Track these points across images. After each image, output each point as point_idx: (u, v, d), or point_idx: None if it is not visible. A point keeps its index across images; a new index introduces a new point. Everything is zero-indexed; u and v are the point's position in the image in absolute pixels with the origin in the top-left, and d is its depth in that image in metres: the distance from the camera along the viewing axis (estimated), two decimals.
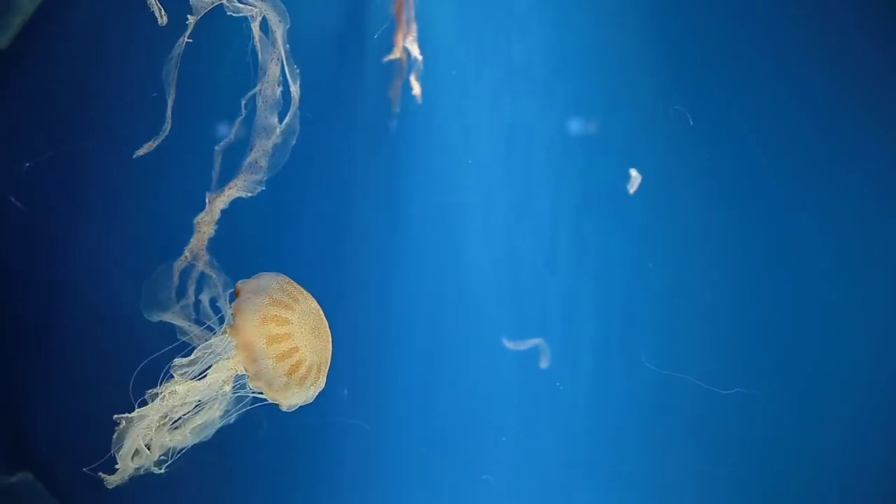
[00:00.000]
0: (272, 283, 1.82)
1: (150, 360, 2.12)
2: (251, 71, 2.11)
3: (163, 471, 2.00)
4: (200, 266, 2.11)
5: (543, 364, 3.05)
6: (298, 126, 2.14)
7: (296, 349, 1.77)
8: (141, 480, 2.95)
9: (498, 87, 3.08)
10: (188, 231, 2.37)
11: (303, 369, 1.78)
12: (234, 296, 1.80)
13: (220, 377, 1.80)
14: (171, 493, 2.99)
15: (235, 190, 2.10)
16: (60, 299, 2.92)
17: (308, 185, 3.06)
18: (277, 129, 2.06)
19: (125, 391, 2.61)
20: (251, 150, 2.12)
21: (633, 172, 2.88)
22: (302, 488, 3.10)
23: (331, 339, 1.89)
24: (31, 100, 2.88)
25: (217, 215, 2.12)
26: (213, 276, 2.13)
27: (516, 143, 3.08)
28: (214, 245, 2.83)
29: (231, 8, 2.02)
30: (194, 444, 1.97)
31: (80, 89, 2.83)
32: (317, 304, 1.88)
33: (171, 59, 1.99)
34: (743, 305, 2.98)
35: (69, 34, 2.90)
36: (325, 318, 1.88)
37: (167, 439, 1.94)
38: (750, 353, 2.97)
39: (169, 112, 2.04)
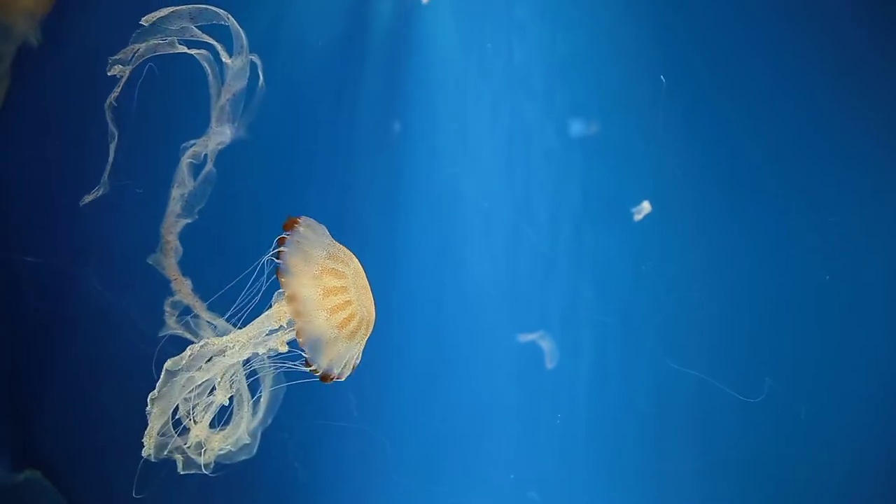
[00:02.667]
0: (324, 238, 1.81)
1: (155, 361, 2.15)
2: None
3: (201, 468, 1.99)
4: (204, 316, 2.14)
5: (550, 364, 3.07)
6: (215, 176, 2.25)
7: (349, 302, 1.76)
8: (143, 479, 2.99)
9: (498, 92, 3.10)
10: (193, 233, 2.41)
11: (353, 324, 1.77)
12: (283, 234, 1.76)
13: (266, 326, 1.78)
14: (171, 492, 3.02)
15: (174, 236, 2.20)
16: (67, 302, 2.94)
17: (310, 186, 3.08)
18: (194, 181, 2.19)
19: (131, 391, 2.65)
20: (170, 199, 2.22)
21: (646, 204, 2.92)
22: (302, 490, 3.12)
23: (374, 302, 1.87)
24: (36, 104, 2.91)
25: (176, 267, 2.19)
26: (213, 321, 2.15)
27: (516, 147, 3.10)
28: (215, 247, 2.86)
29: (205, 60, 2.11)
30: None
31: (85, 94, 2.86)
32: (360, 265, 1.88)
33: (109, 105, 2.06)
34: (741, 305, 2.99)
35: (76, 37, 2.93)
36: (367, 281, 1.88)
37: (202, 438, 1.94)
38: (749, 353, 2.98)
39: (112, 155, 2.10)
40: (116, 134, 2.09)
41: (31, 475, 2.99)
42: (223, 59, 2.14)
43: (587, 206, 3.08)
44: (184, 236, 2.33)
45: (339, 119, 3.09)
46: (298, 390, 2.27)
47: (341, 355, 1.78)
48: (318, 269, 1.74)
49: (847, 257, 2.90)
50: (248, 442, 2.12)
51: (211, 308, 2.17)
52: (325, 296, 1.73)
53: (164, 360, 1.95)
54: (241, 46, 2.15)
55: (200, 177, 2.23)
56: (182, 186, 2.20)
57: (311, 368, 1.74)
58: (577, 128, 3.08)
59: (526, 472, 3.15)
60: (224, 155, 2.97)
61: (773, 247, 2.96)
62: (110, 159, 2.10)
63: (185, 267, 2.82)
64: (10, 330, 2.99)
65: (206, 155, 2.20)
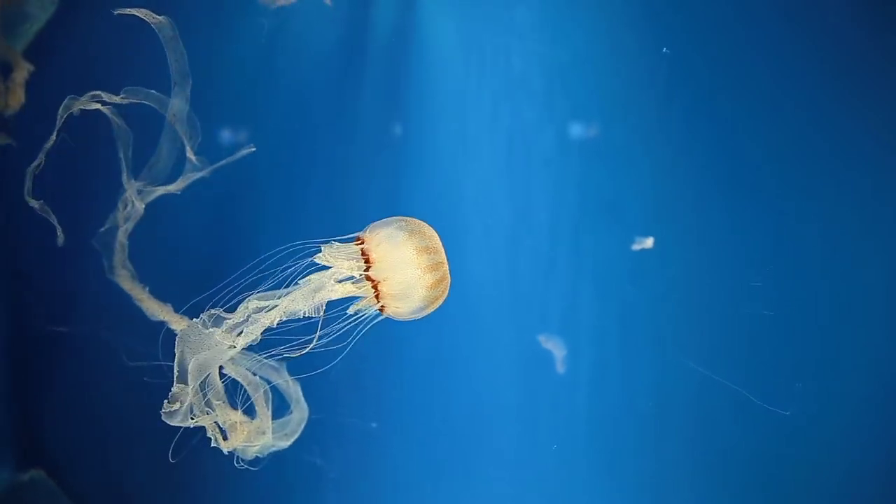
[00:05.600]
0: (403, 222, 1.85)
1: (158, 361, 2.18)
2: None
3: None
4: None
5: (561, 369, 3.09)
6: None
7: (441, 263, 1.80)
8: (146, 476, 3.02)
9: (498, 95, 3.11)
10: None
11: (441, 287, 1.81)
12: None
13: (351, 272, 1.79)
14: (173, 491, 3.04)
15: (145, 296, 2.29)
16: (73, 304, 2.97)
17: (310, 187, 3.10)
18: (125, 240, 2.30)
19: (135, 392, 2.68)
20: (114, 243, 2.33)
21: (649, 241, 2.94)
22: (302, 487, 3.14)
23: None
24: (43, 107, 2.94)
25: (170, 312, 2.25)
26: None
27: (516, 151, 3.12)
28: (215, 248, 2.88)
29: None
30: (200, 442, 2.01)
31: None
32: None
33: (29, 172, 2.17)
34: (740, 307, 2.99)
35: (81, 42, 2.96)
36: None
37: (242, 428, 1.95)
38: (749, 353, 2.98)
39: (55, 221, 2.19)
40: (47, 208, 2.20)
41: (36, 475, 3.02)
42: (188, 155, 2.26)
43: (587, 208, 3.09)
44: (185, 236, 2.37)
45: (340, 121, 3.12)
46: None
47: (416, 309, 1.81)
48: (407, 231, 1.80)
49: (847, 257, 2.90)
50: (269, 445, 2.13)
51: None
52: (419, 253, 1.77)
53: (166, 363, 1.98)
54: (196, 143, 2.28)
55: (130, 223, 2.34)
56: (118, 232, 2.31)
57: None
58: (576, 130, 3.09)
59: (525, 473, 3.17)
60: (223, 157, 3.00)
61: (772, 247, 2.97)
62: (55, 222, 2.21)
63: (185, 267, 2.86)
64: (13, 331, 3.02)
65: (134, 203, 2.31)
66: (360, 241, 1.82)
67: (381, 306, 1.82)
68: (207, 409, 1.87)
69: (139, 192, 2.31)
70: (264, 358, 1.98)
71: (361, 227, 3.13)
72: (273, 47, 3.08)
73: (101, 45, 2.92)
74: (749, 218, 2.96)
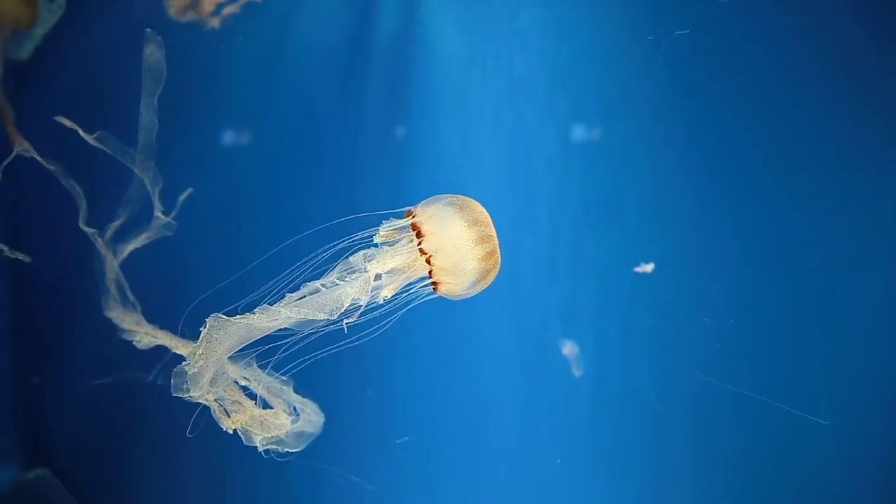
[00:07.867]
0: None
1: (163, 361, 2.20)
2: None
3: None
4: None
5: (577, 372, 3.09)
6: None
7: (490, 236, 1.80)
8: (149, 476, 3.03)
9: (500, 98, 3.13)
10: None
11: (492, 261, 1.82)
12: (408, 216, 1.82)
13: (411, 258, 1.80)
14: (176, 491, 3.06)
15: (145, 328, 2.33)
16: (76, 304, 2.99)
17: (314, 190, 3.12)
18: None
19: (139, 392, 2.70)
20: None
21: (649, 266, 2.95)
22: (305, 488, 3.16)
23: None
24: (48, 110, 2.96)
25: (172, 337, 2.28)
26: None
27: (518, 153, 3.13)
28: (216, 248, 2.89)
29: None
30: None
31: (96, 101, 2.92)
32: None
33: None
34: (741, 307, 3.00)
35: (89, 46, 2.99)
36: None
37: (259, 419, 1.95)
38: (750, 354, 2.99)
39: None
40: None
41: (41, 473, 3.04)
42: (156, 213, 2.34)
43: (588, 210, 3.10)
44: (183, 239, 2.39)
45: (344, 124, 3.13)
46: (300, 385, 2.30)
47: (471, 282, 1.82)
48: (459, 205, 1.79)
49: (848, 258, 2.90)
50: (283, 437, 2.14)
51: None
52: (471, 226, 1.77)
53: (168, 363, 2.00)
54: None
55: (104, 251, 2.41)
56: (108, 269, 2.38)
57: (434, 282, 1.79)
58: (578, 132, 3.11)
59: (529, 475, 3.17)
60: (228, 158, 3.02)
61: (773, 249, 2.97)
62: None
63: (187, 269, 2.86)
64: (16, 329, 3.04)
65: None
66: (411, 215, 1.81)
67: (434, 283, 1.82)
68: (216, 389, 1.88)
69: (114, 235, 2.38)
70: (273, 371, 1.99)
71: (363, 229, 3.17)
72: (277, 51, 3.10)
73: (104, 50, 2.96)
74: (750, 218, 2.97)
